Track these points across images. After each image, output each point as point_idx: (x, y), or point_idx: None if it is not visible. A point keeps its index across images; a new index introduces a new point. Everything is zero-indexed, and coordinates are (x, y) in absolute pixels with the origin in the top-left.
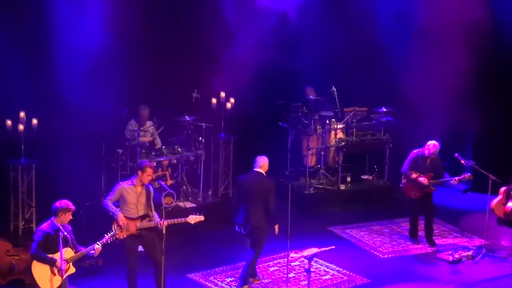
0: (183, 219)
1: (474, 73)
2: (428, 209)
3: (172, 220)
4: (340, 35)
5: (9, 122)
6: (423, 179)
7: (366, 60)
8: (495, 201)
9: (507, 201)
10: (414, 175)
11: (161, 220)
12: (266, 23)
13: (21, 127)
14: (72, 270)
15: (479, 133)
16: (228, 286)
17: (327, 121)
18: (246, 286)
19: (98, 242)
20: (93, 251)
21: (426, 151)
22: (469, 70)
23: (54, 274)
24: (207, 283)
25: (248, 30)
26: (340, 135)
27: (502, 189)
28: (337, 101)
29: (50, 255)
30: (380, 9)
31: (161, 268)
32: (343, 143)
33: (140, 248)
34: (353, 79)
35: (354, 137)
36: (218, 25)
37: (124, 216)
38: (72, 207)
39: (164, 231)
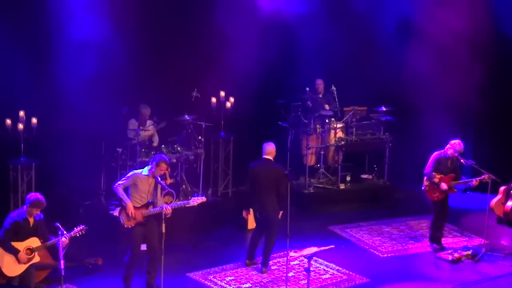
0: (186, 201)
1: (475, 73)
2: (444, 211)
3: (176, 204)
4: (340, 34)
5: (8, 121)
6: (443, 185)
7: (365, 59)
8: (494, 200)
9: (506, 200)
10: (436, 179)
11: (161, 207)
12: (266, 23)
13: (20, 126)
14: (36, 259)
15: (479, 132)
16: (228, 285)
17: (327, 121)
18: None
19: (66, 234)
20: (61, 242)
21: (450, 151)
22: (470, 69)
23: (19, 262)
24: (206, 282)
25: (248, 30)
26: (340, 134)
27: (502, 188)
28: (336, 100)
29: (15, 243)
30: (379, 10)
31: (156, 254)
32: (342, 142)
33: (143, 247)
34: (353, 78)
35: (353, 137)
36: (219, 24)
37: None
38: (42, 202)
39: (164, 229)
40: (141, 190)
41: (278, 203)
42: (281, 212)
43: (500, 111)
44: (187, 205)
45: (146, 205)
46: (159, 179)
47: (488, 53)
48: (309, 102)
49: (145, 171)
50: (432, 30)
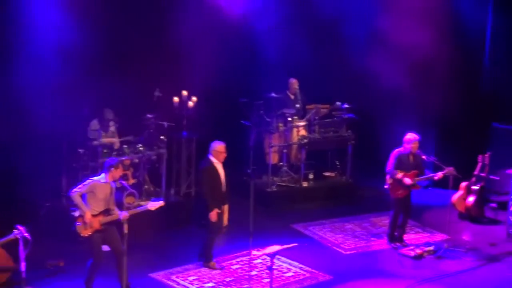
0: (143, 207)
1: (436, 71)
2: (408, 208)
3: (133, 210)
4: (302, 34)
5: None
6: (407, 180)
7: (327, 58)
8: (456, 196)
9: (468, 196)
10: (399, 175)
11: (120, 212)
12: (228, 23)
13: None
14: None
15: (440, 129)
16: (190, 285)
17: (289, 119)
18: (211, 263)
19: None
20: (21, 245)
21: (410, 147)
22: (432, 67)
23: None
24: (169, 282)
25: (211, 29)
26: (303, 132)
27: (463, 184)
28: (299, 98)
29: None
30: (340, 10)
31: (123, 257)
32: (305, 141)
33: (106, 247)
34: (315, 76)
35: (316, 134)
36: (180, 24)
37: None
38: None
39: (126, 229)
40: (99, 197)
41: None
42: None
43: (461, 108)
44: (144, 210)
45: (103, 212)
46: (123, 181)
47: (449, 56)
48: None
49: (102, 178)
50: (394, 33)
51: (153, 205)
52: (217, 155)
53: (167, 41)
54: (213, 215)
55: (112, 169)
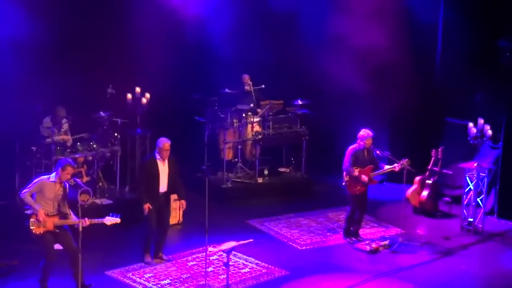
0: (100, 219)
1: (387, 67)
2: (364, 204)
3: (91, 220)
4: (257, 30)
5: None
6: (364, 177)
7: (282, 54)
8: (410, 190)
9: (422, 190)
10: (356, 172)
11: (78, 218)
12: (182, 18)
13: None
14: None
15: (393, 122)
16: (146, 282)
17: (244, 115)
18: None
19: None
20: None
21: (362, 143)
22: (382, 64)
23: None
24: (125, 279)
25: (164, 25)
26: (257, 128)
27: (417, 178)
28: (253, 94)
29: None
30: (295, 7)
31: (77, 255)
32: (260, 136)
33: (58, 246)
34: (269, 72)
35: (270, 130)
36: (134, 20)
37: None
38: None
39: (81, 227)
40: (47, 197)
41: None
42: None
43: (414, 103)
44: (99, 222)
45: (58, 215)
46: (77, 179)
47: (402, 52)
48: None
49: (52, 177)
50: (348, 31)
51: (110, 220)
52: (160, 152)
53: (120, 37)
54: (145, 209)
55: (60, 169)
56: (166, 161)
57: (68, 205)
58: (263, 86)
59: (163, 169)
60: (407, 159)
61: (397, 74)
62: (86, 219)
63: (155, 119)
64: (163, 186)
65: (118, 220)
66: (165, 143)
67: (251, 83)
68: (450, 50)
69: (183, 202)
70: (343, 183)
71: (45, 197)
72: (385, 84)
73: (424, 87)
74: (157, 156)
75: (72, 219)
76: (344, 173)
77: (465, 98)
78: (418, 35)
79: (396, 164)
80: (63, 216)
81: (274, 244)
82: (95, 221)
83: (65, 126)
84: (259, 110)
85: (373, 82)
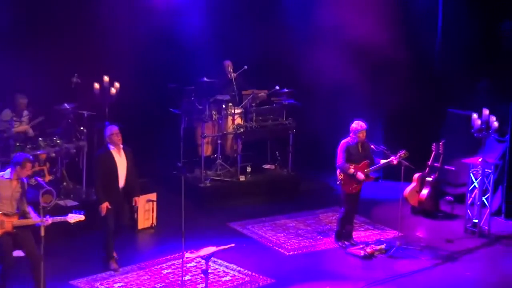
0: (62, 217)
1: (384, 56)
2: (356, 203)
3: (52, 218)
4: (238, 14)
5: None
6: (360, 175)
7: (265, 40)
8: (408, 189)
9: (421, 189)
10: (351, 170)
11: (40, 217)
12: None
13: None
14: None
15: (390, 115)
16: None
17: (224, 106)
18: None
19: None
20: None
21: (357, 136)
22: (377, 53)
23: None
24: None
25: (134, 8)
26: (238, 121)
27: (416, 175)
28: (234, 84)
29: None
30: None
31: (40, 263)
32: (241, 130)
33: (18, 253)
34: (251, 59)
35: (253, 123)
36: (101, 2)
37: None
38: None
39: (43, 232)
40: (3, 195)
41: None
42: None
43: (412, 93)
44: (62, 220)
45: (17, 214)
46: (38, 178)
47: (400, 40)
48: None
49: (7, 173)
50: (342, 19)
51: (73, 217)
52: (112, 139)
53: (87, 20)
54: (102, 209)
55: (18, 167)
56: (123, 152)
57: (26, 203)
58: (245, 67)
59: (121, 161)
60: (404, 151)
61: (393, 62)
62: (48, 217)
63: (125, 111)
64: (121, 181)
65: (82, 217)
66: (112, 128)
67: (232, 70)
68: (450, 35)
69: (137, 199)
70: (338, 182)
71: (0, 196)
72: (380, 73)
73: (423, 75)
74: (111, 147)
75: (33, 218)
76: (338, 170)
77: (468, 86)
78: (415, 20)
79: (393, 157)
80: (23, 215)
81: (258, 249)
82: (58, 219)
83: (26, 119)
84: (241, 100)
85: (367, 70)
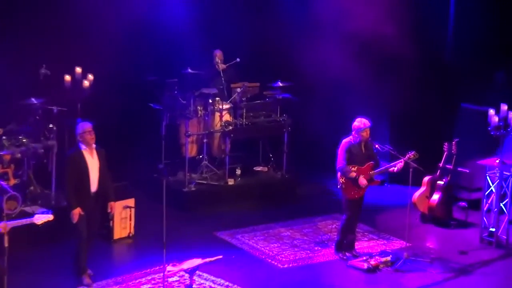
0: (28, 219)
1: (388, 42)
2: (358, 210)
3: (15, 221)
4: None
5: None
6: (362, 180)
7: (257, 28)
8: (417, 193)
9: (431, 194)
10: (353, 173)
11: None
12: None
13: None
14: None
15: (397, 112)
16: None
17: (210, 101)
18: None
19: None
20: None
21: (360, 135)
22: (382, 44)
23: None
24: None
25: None
26: (227, 117)
27: (426, 179)
28: (222, 75)
29: None
30: None
31: (4, 277)
32: (230, 127)
33: None
34: (242, 49)
35: (243, 120)
36: None
37: None
38: None
39: (6, 242)
40: None
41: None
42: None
43: (421, 87)
44: (28, 223)
45: None
46: (2, 181)
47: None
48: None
49: None
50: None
51: (40, 218)
52: (84, 137)
53: (57, 4)
54: (74, 216)
55: None
56: (95, 153)
57: None
58: (238, 59)
59: (93, 162)
60: (413, 152)
61: (400, 54)
62: (3, 223)
63: (99, 107)
64: (93, 185)
65: (50, 217)
66: (84, 125)
67: (219, 61)
68: (463, 23)
69: (113, 204)
70: (338, 186)
71: None
72: (386, 67)
73: (433, 67)
74: (83, 147)
75: None
76: (339, 173)
77: (484, 79)
78: (424, 8)
79: (399, 160)
80: None
81: (249, 261)
82: (22, 222)
83: None
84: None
85: (372, 64)
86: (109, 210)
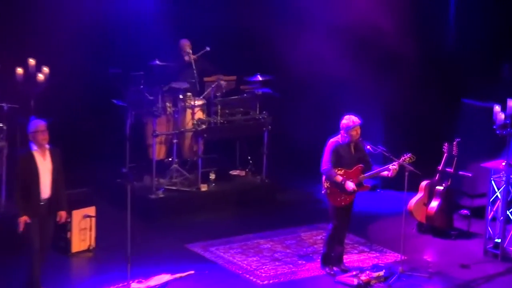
0: None
1: (382, 33)
2: (347, 218)
3: None
4: None
5: None
6: (349, 185)
7: (233, 14)
8: (414, 200)
9: (430, 201)
10: (339, 177)
11: None
12: None
13: None
14: None
15: (391, 110)
16: None
17: (181, 96)
18: None
19: None
20: None
21: (349, 135)
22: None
23: None
24: None
25: None
26: (199, 115)
27: (423, 184)
28: (194, 68)
29: None
30: None
31: None
32: (203, 127)
33: None
34: (216, 39)
35: (218, 118)
36: None
37: None
38: None
39: None
40: None
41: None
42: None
43: (419, 81)
44: None
45: None
46: None
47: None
48: None
49: None
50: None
51: None
52: (36, 137)
53: None
54: (20, 224)
55: None
56: (48, 154)
57: None
58: (207, 48)
59: (44, 165)
60: (410, 154)
61: (396, 46)
62: None
63: (56, 103)
64: (45, 190)
65: None
66: (37, 124)
67: (190, 52)
68: (466, 11)
69: (63, 213)
70: (323, 191)
71: None
72: (379, 60)
73: (432, 60)
74: (34, 147)
75: None
76: (324, 177)
77: (489, 71)
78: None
79: (393, 163)
80: None
81: (224, 277)
82: None
83: None
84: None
85: (364, 57)
86: (58, 219)
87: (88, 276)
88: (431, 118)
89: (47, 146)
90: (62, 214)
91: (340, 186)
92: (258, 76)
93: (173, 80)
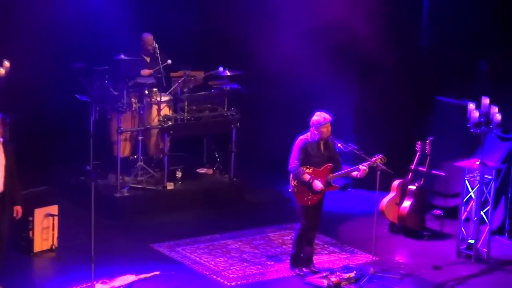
0: None
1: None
2: (316, 218)
3: None
4: None
5: None
6: (317, 184)
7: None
8: (385, 200)
9: (402, 200)
10: (307, 175)
11: None
12: None
13: None
14: None
15: (363, 107)
16: None
17: (146, 92)
18: None
19: None
20: None
21: (319, 132)
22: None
23: None
24: None
25: None
26: (166, 111)
27: (396, 183)
28: (159, 61)
29: None
30: None
31: None
32: (170, 123)
33: None
34: (182, 32)
35: (185, 114)
36: None
37: None
38: None
39: None
40: None
41: None
42: None
43: (390, 77)
44: None
45: None
46: None
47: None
48: None
49: None
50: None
51: None
52: None
53: None
54: None
55: None
56: (1, 148)
57: None
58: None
59: None
60: (381, 155)
61: (366, 40)
62: None
63: (17, 98)
64: None
65: None
66: None
67: (157, 46)
68: (441, 5)
69: (19, 208)
70: (290, 190)
71: None
72: (349, 54)
73: (406, 55)
74: None
75: None
76: (291, 175)
77: (463, 67)
78: None
79: (363, 164)
80: None
81: (191, 278)
82: None
83: None
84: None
85: (334, 50)
86: (14, 214)
87: (51, 276)
88: (405, 116)
89: (1, 139)
90: (18, 209)
91: (308, 185)
92: (226, 71)
93: (138, 75)
